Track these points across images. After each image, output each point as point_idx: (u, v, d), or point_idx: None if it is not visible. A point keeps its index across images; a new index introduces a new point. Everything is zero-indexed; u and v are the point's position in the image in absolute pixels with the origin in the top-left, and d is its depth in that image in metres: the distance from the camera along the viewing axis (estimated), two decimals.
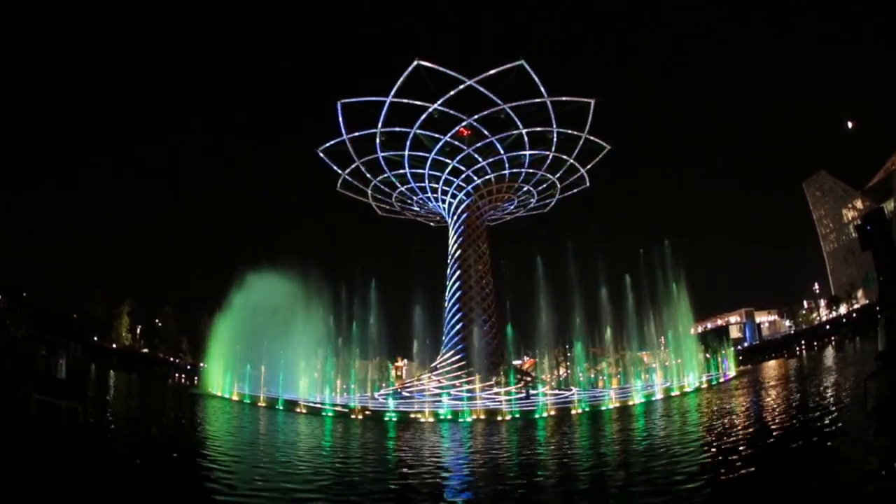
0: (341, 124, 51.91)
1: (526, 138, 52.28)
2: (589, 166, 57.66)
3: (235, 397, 42.87)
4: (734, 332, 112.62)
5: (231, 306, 49.11)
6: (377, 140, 52.86)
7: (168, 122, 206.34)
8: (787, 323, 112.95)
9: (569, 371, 75.12)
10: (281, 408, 37.89)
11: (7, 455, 12.02)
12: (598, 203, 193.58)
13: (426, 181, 56.50)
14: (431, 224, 66.67)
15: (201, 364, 62.09)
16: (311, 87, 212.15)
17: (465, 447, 21.79)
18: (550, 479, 13.66)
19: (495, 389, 48.41)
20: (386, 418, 34.05)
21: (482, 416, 33.19)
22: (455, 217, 57.72)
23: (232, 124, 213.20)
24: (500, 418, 32.33)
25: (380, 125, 50.90)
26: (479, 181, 55.30)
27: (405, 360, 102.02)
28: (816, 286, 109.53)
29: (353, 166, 56.89)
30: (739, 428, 18.75)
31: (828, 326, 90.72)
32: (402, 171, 56.13)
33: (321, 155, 56.08)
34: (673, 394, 40.24)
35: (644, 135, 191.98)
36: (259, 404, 39.26)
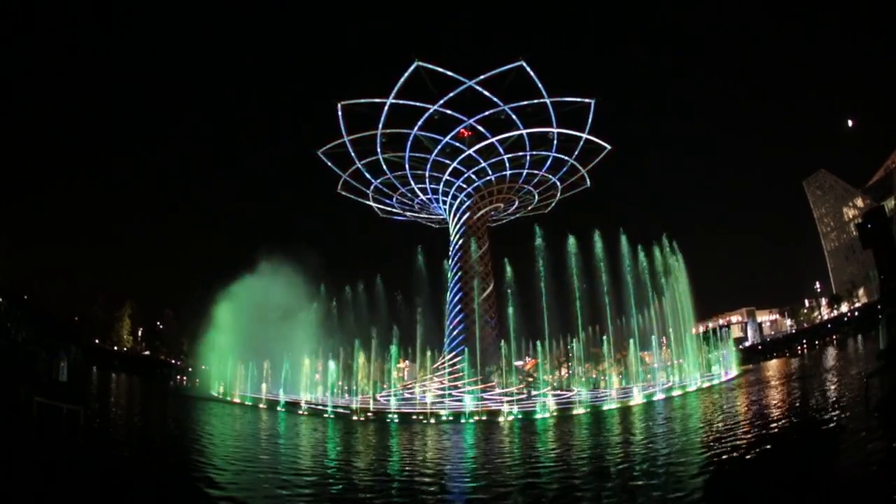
0: (342, 126, 51.93)
1: (526, 139, 52.24)
2: (589, 167, 57.64)
3: (236, 399, 42.90)
4: (735, 332, 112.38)
5: (231, 307, 49.10)
6: (378, 141, 52.81)
7: (168, 123, 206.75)
8: (789, 322, 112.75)
9: (570, 371, 75.02)
10: (282, 409, 37.87)
11: (8, 457, 12.01)
12: (600, 203, 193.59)
13: (427, 182, 56.46)
14: (433, 225, 66.63)
15: (202, 366, 62.05)
16: (312, 87, 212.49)
17: (466, 447, 21.74)
18: (551, 478, 13.61)
19: (497, 390, 48.33)
20: (388, 419, 34.00)
21: (484, 417, 33.17)
22: (456, 218, 57.66)
23: (233, 126, 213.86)
24: (501, 419, 32.28)
25: (380, 127, 50.82)
26: (479, 182, 55.25)
27: (407, 362, 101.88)
28: (817, 285, 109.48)
29: (353, 168, 56.86)
30: (741, 427, 18.71)
31: (829, 325, 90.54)
32: (402, 173, 56.08)
33: (322, 157, 56.14)
34: (674, 393, 40.18)
35: (645, 133, 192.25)
36: (260, 406, 39.27)
